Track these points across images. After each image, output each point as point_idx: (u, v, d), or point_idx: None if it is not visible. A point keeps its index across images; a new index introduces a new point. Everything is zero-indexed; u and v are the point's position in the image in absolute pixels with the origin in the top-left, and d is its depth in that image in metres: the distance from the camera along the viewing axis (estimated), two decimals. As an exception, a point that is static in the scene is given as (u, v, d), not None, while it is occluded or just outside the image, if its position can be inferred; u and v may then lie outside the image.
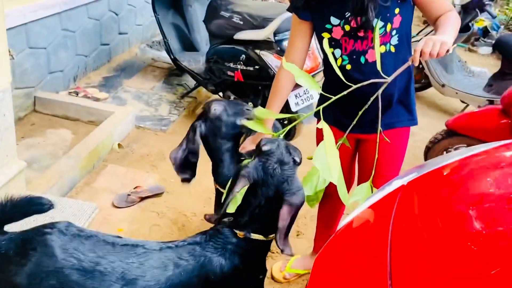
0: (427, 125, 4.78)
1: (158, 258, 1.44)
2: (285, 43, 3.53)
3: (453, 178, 1.62)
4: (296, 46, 2.02)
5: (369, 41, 1.84)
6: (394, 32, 1.83)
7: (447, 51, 1.62)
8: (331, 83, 2.06)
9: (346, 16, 1.81)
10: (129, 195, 3.05)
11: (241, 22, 3.68)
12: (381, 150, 2.04)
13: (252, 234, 1.56)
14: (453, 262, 1.13)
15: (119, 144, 3.63)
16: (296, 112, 3.62)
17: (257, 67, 3.60)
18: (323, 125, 1.63)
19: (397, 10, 1.80)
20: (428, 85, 5.27)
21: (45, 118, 3.84)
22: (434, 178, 1.57)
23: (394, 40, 1.85)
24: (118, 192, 3.11)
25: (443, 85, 4.93)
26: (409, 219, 1.34)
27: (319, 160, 1.52)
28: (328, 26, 1.87)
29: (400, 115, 2.03)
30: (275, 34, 3.52)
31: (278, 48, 3.54)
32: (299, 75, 1.68)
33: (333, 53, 1.91)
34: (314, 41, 3.22)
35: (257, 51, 3.57)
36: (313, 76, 3.62)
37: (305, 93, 3.68)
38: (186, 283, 1.45)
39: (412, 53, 1.66)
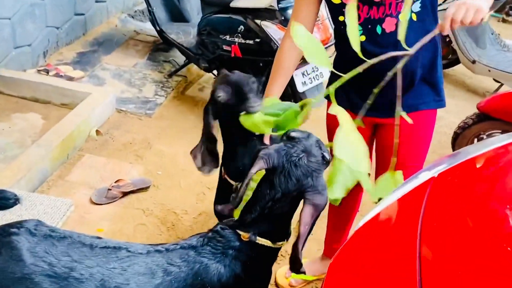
0: (454, 108, 4.78)
1: (145, 263, 1.42)
2: (290, 12, 3.48)
3: (489, 171, 1.62)
4: (302, 14, 1.99)
5: (387, 8, 1.81)
6: None
7: (482, 19, 1.59)
8: (343, 58, 2.04)
9: None
10: (109, 189, 3.04)
11: (239, -13, 3.64)
12: (402, 137, 2.03)
13: (258, 238, 1.53)
14: (488, 264, 1.14)
15: (97, 131, 3.61)
16: (303, 93, 3.60)
17: (257, 40, 3.56)
18: (336, 108, 1.58)
19: None
20: (456, 61, 5.26)
21: (11, 101, 3.80)
22: (467, 170, 1.57)
23: (416, 7, 1.82)
24: (97, 186, 3.09)
25: (473, 62, 4.90)
26: (440, 216, 1.34)
27: (343, 149, 1.47)
28: None
29: (424, 95, 2.00)
30: (278, 1, 3.48)
31: (282, 18, 3.50)
32: (307, 44, 1.62)
33: (343, 22, 1.89)
34: (324, 9, 3.17)
35: (258, 21, 3.53)
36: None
37: (314, 71, 3.66)
38: None
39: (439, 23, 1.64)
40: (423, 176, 1.59)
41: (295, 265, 1.53)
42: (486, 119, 3.43)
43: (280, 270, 2.66)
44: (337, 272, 1.35)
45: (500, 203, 1.38)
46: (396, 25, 1.83)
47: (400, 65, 1.72)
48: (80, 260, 1.36)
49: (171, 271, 1.44)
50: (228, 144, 2.04)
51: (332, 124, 2.18)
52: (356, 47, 1.66)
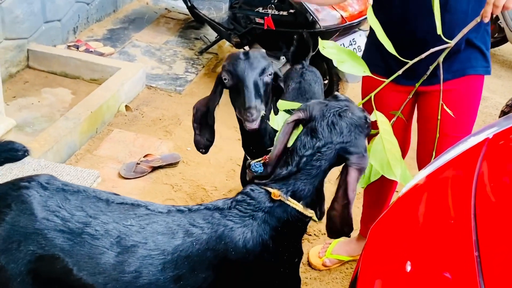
0: (500, 88, 4.59)
1: (165, 222, 1.34)
2: (327, -20, 3.35)
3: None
4: None
5: None
6: None
7: None
8: (382, 23, 1.92)
9: None
10: (138, 164, 2.99)
11: (272, -45, 3.52)
12: (448, 105, 1.90)
13: (290, 198, 1.42)
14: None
15: (126, 106, 3.57)
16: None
17: (292, 11, 3.44)
18: (376, 114, 1.57)
19: None
20: (503, 40, 5.06)
21: (40, 75, 3.80)
22: None
23: None
24: (126, 161, 3.06)
25: (522, 39, 4.68)
26: (497, 177, 1.22)
27: (377, 157, 1.50)
28: None
29: (472, 59, 1.91)
30: (314, -31, 3.34)
31: (318, -14, 3.35)
32: (337, 55, 1.62)
33: None
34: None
35: (292, -10, 3.40)
36: (363, 20, 3.43)
37: (351, 44, 3.51)
38: (197, 256, 1.33)
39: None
40: (471, 141, 1.46)
41: (348, 228, 1.46)
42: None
43: (313, 249, 2.57)
44: (380, 236, 1.24)
45: None
46: None
47: (441, 58, 1.68)
48: (95, 216, 1.28)
49: (192, 232, 1.35)
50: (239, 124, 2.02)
51: (367, 91, 2.07)
52: (437, 21, 1.63)
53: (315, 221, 1.56)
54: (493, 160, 1.29)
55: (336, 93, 1.57)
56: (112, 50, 4.24)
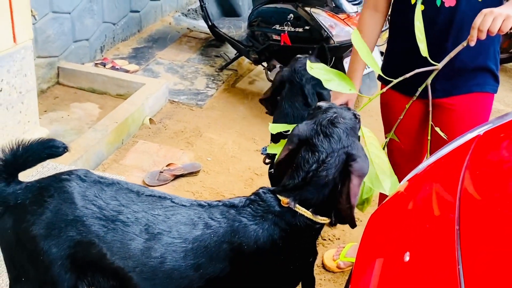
0: (516, 102, 4.62)
1: (187, 214, 1.47)
2: (341, -1, 3.50)
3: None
4: None
5: None
6: None
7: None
8: (397, 34, 2.03)
9: None
10: (161, 172, 3.14)
11: (289, -25, 3.67)
12: (454, 119, 1.99)
13: (297, 206, 1.51)
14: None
15: (150, 119, 3.74)
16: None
17: (307, 27, 3.59)
18: (363, 130, 1.63)
19: None
20: (517, 55, 5.06)
21: (70, 91, 4.01)
22: None
23: None
24: (150, 170, 3.20)
25: (537, 53, 4.71)
26: (483, 170, 1.30)
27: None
28: None
29: (478, 77, 1.95)
30: (328, -12, 3.49)
31: (333, 4, 3.50)
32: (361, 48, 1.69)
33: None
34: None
35: (308, 8, 3.56)
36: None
37: (365, 59, 3.62)
38: (214, 247, 1.45)
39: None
40: (468, 137, 1.56)
41: (352, 224, 1.55)
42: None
43: (328, 252, 2.64)
44: (376, 227, 1.34)
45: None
46: (457, 0, 1.80)
47: (429, 80, 1.75)
48: (127, 205, 1.42)
49: (211, 225, 1.46)
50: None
51: (386, 105, 2.17)
52: (419, 42, 1.70)
53: (329, 226, 1.62)
54: (480, 155, 1.36)
55: (318, 103, 1.64)
56: (137, 68, 4.42)
